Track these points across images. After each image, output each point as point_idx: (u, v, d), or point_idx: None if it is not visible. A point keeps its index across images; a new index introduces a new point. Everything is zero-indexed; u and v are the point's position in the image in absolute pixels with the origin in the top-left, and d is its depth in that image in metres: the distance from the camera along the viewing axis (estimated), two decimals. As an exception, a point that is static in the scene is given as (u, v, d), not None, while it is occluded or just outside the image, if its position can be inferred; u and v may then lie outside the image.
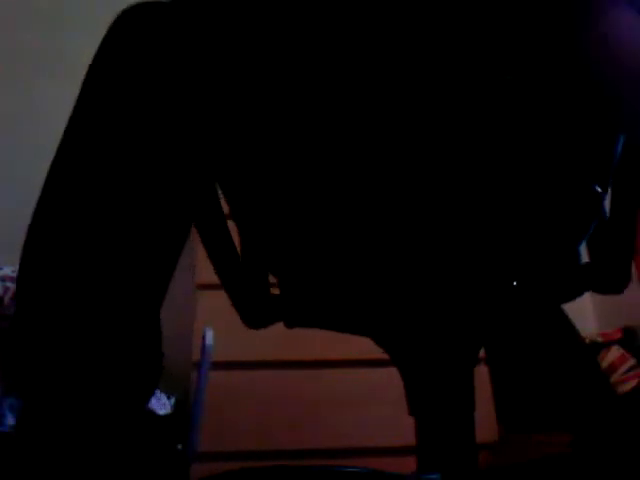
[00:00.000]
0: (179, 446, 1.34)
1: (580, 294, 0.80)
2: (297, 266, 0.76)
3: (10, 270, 1.36)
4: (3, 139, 1.86)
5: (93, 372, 0.60)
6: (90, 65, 0.64)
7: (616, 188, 0.75)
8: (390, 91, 0.64)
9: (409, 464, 0.83)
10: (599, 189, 0.69)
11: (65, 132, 0.63)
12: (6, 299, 1.29)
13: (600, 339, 1.69)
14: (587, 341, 1.61)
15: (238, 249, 0.80)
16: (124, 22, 0.64)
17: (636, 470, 0.93)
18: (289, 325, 0.81)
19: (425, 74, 0.64)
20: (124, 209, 0.61)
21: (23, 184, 1.85)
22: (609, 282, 0.78)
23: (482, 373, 0.94)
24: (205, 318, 1.52)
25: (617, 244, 0.78)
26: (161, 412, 1.53)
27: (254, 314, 0.80)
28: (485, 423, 0.99)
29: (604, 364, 1.58)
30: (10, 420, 1.16)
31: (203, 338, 1.33)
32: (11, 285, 1.32)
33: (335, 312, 0.79)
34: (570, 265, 0.78)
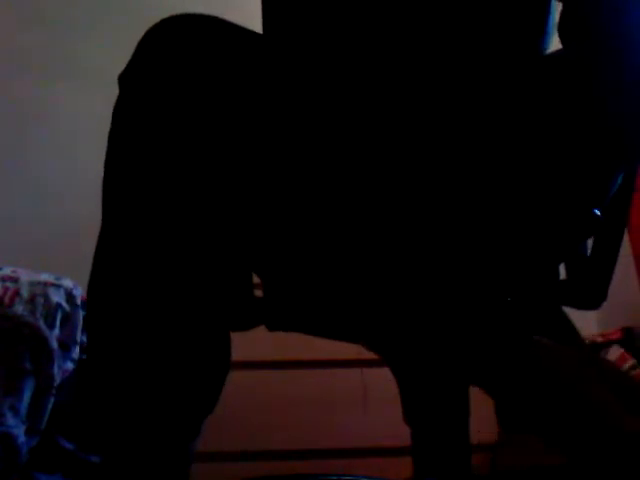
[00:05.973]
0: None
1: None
2: (285, 267, 0.74)
3: (10, 270, 1.35)
4: (4, 140, 1.86)
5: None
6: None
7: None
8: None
9: (409, 465, 0.83)
10: (598, 213, 0.71)
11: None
12: (6, 299, 1.29)
13: (600, 339, 1.69)
14: (587, 341, 1.60)
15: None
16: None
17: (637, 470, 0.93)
18: (270, 328, 0.79)
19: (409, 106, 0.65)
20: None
21: (24, 185, 1.85)
22: (585, 299, 0.81)
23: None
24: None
25: (599, 266, 0.81)
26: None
27: (236, 316, 0.79)
28: (485, 423, 0.99)
29: (604, 364, 1.57)
30: (10, 420, 1.16)
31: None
32: (11, 285, 1.31)
33: (326, 317, 0.78)
34: (550, 281, 0.80)
